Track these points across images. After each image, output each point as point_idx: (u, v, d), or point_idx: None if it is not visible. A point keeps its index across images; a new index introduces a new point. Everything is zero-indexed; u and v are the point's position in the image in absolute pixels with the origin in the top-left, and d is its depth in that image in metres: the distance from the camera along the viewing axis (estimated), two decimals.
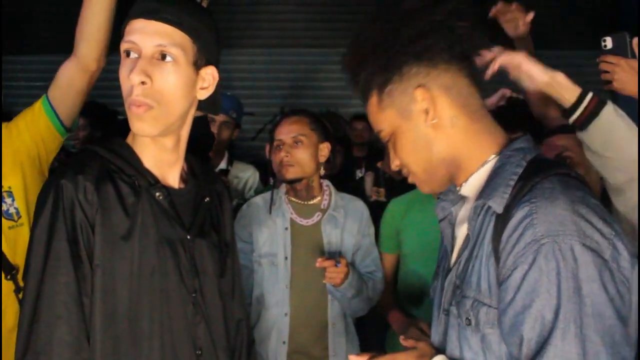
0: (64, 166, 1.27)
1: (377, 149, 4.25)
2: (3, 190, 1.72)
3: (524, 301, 0.96)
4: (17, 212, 1.73)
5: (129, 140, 1.33)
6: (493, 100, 1.56)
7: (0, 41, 3.13)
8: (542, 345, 0.94)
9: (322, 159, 2.19)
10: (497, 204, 1.05)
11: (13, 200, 1.73)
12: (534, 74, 1.47)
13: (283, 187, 2.26)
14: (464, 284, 1.10)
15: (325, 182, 2.26)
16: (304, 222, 2.20)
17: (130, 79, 1.18)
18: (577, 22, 4.94)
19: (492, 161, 1.12)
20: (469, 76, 1.13)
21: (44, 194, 1.22)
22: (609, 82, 1.62)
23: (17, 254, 1.70)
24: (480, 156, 1.13)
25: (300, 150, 2.13)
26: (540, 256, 0.95)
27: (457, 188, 1.17)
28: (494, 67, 1.45)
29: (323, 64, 5.80)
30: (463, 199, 1.20)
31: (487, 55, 1.44)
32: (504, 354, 1.04)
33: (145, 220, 1.25)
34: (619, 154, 1.50)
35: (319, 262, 1.99)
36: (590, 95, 1.48)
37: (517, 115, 1.88)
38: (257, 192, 3.04)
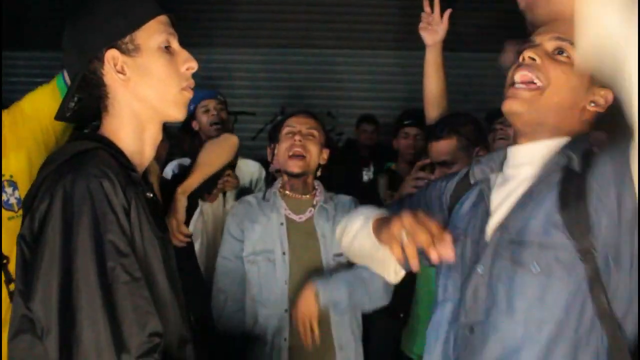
0: (76, 166, 1.17)
1: (383, 151, 4.22)
2: (4, 179, 1.65)
3: None
4: (18, 203, 1.66)
5: (110, 136, 1.28)
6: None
7: (0, 36, 3.11)
8: None
9: (322, 162, 2.24)
10: (577, 164, 1.16)
11: (14, 189, 1.67)
12: None
13: (277, 183, 2.28)
14: (524, 231, 1.15)
15: (316, 182, 2.29)
16: (297, 217, 2.22)
17: (192, 67, 1.29)
18: None
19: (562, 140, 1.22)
20: None
21: (78, 199, 1.13)
22: None
23: (14, 246, 1.67)
24: (567, 128, 1.23)
25: (312, 143, 2.18)
26: None
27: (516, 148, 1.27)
28: None
29: (323, 64, 5.81)
30: (502, 166, 1.29)
31: None
32: (564, 301, 1.08)
33: (147, 219, 1.24)
34: None
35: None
36: None
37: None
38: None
